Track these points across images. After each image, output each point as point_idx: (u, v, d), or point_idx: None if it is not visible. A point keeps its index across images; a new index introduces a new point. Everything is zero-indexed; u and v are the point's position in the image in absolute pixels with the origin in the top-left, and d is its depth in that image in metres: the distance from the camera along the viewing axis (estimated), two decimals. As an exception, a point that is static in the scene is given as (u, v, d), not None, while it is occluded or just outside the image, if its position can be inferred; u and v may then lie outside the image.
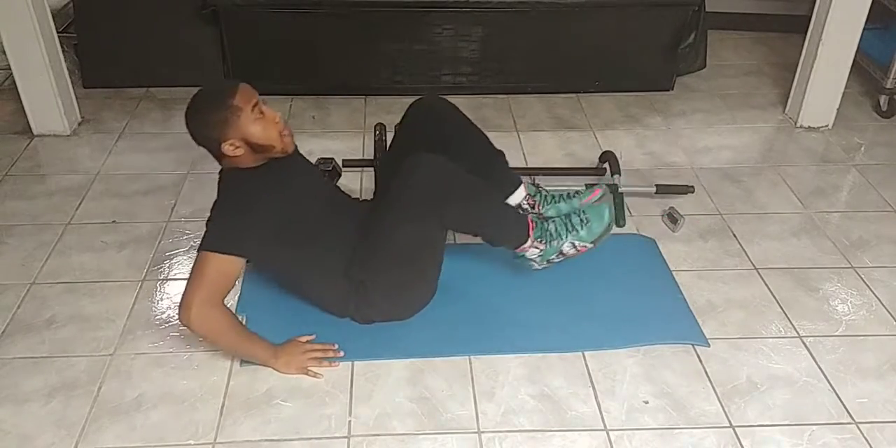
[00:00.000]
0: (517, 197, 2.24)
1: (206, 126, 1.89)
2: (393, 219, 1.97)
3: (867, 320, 2.21)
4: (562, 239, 2.07)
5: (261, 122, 1.89)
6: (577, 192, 2.27)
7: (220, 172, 2.02)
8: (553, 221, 2.11)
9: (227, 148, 1.89)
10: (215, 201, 1.96)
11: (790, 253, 2.47)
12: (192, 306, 1.84)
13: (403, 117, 2.28)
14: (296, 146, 2.03)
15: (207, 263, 1.86)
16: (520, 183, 2.25)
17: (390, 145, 2.38)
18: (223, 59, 3.36)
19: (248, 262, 1.94)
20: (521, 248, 2.07)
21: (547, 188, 2.31)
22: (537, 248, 2.07)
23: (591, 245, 2.08)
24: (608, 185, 2.28)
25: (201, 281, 1.85)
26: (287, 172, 1.99)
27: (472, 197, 2.01)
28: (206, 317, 1.86)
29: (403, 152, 2.04)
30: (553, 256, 2.09)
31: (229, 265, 1.87)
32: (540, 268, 2.13)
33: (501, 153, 2.28)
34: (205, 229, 1.91)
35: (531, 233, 2.06)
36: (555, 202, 2.25)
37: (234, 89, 1.88)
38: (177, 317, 2.13)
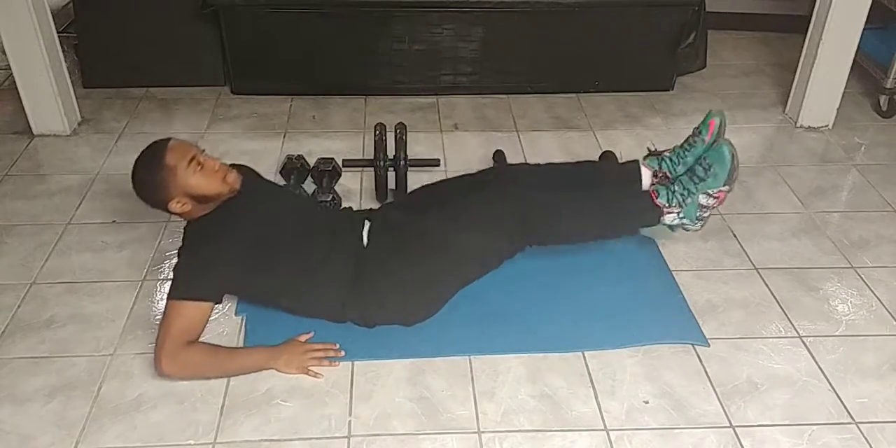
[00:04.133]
0: (645, 179, 2.22)
1: (148, 191, 1.96)
2: (459, 227, 2.00)
3: (867, 320, 2.21)
4: (693, 194, 2.05)
5: (200, 175, 1.93)
6: (696, 131, 2.20)
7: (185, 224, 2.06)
8: (678, 181, 2.09)
9: (174, 206, 1.95)
10: (180, 247, 2.00)
11: (790, 253, 2.47)
12: (163, 359, 1.88)
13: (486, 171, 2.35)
14: (255, 174, 2.10)
15: (174, 312, 1.90)
16: (638, 168, 2.23)
17: (448, 180, 2.39)
18: (223, 59, 3.37)
19: (216, 304, 1.97)
20: (660, 219, 2.08)
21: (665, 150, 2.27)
22: (672, 212, 2.07)
23: (726, 187, 2.05)
24: (717, 113, 2.21)
25: (168, 331, 1.89)
26: (241, 209, 2.01)
27: (569, 215, 2.05)
28: (178, 364, 1.90)
29: (473, 186, 2.12)
30: (698, 213, 2.08)
31: (195, 311, 1.91)
32: (697, 227, 2.13)
33: (599, 161, 2.31)
34: (172, 277, 1.95)
35: (657, 202, 2.06)
36: (682, 158, 2.19)
37: (164, 149, 1.93)
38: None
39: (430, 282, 2.07)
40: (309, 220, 2.16)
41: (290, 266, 2.01)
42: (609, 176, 2.27)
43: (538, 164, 2.37)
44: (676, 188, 2.06)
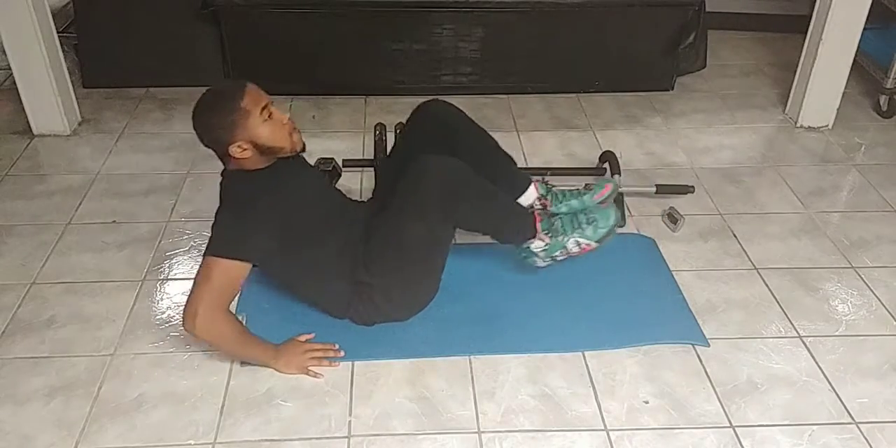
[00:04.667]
0: (528, 197, 2.23)
1: (213, 128, 1.88)
2: (402, 219, 1.97)
3: (867, 320, 2.21)
4: (566, 235, 2.07)
5: (269, 125, 1.88)
6: (588, 188, 2.26)
7: (223, 173, 2.01)
8: (560, 218, 2.11)
9: (234, 150, 1.88)
10: (219, 205, 1.95)
11: (790, 253, 2.47)
12: (198, 314, 1.83)
13: (408, 121, 2.28)
14: (303, 150, 2.03)
15: (213, 269, 1.84)
16: (530, 183, 2.25)
17: (392, 149, 2.37)
18: (223, 59, 3.36)
19: (254, 266, 1.94)
20: (528, 241, 2.08)
21: (558, 187, 2.30)
22: (543, 240, 2.07)
23: (595, 244, 2.08)
24: (614, 183, 2.29)
25: (207, 287, 1.84)
26: (289, 175, 1.99)
27: (481, 196, 2.01)
28: (211, 324, 1.85)
29: (408, 155, 2.03)
30: (557, 253, 2.09)
31: (235, 270, 1.86)
32: (543, 265, 2.13)
33: (509, 155, 2.29)
34: (210, 234, 1.90)
35: (538, 226, 2.07)
36: (566, 199, 2.24)
37: (242, 91, 1.87)
38: (177, 316, 2.15)
39: (413, 281, 2.09)
40: (339, 207, 2.16)
41: (313, 249, 2.00)
42: (504, 176, 2.23)
43: (473, 129, 2.28)
44: (556, 223, 2.09)
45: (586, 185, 2.28)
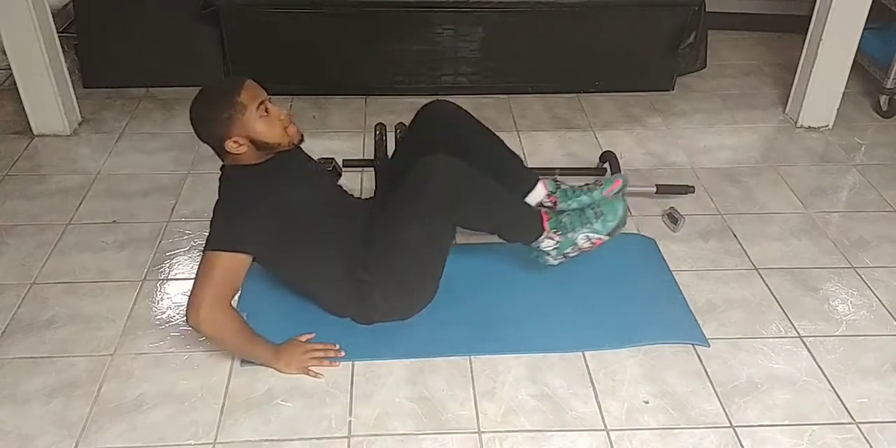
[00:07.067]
0: (537, 195, 2.23)
1: (210, 123, 1.88)
2: (403, 218, 1.96)
3: (867, 320, 2.21)
4: (576, 231, 2.06)
5: (265, 120, 1.88)
6: (598, 183, 2.26)
7: (222, 169, 2.01)
8: (568, 214, 2.11)
9: (230, 145, 1.88)
10: (217, 200, 1.95)
11: (790, 253, 2.47)
12: (201, 309, 1.82)
13: (412, 122, 2.27)
14: (301, 142, 2.03)
15: (213, 263, 1.84)
16: (537, 181, 2.25)
17: (395, 150, 2.37)
18: (223, 59, 3.36)
19: (253, 260, 1.94)
20: (537, 240, 2.08)
21: (567, 183, 2.29)
22: (552, 238, 2.07)
23: (606, 237, 2.07)
24: (623, 177, 2.29)
25: (209, 282, 1.83)
26: (289, 170, 1.98)
27: (485, 195, 2.01)
28: (214, 319, 1.85)
29: (412, 156, 2.03)
30: (569, 249, 2.08)
31: (236, 264, 1.86)
32: (556, 263, 2.12)
33: (515, 154, 2.28)
34: (209, 229, 1.90)
35: (545, 225, 2.07)
36: (576, 196, 2.23)
37: (240, 86, 1.87)
38: (177, 316, 2.15)
39: (412, 280, 2.09)
40: (340, 203, 2.16)
41: (313, 244, 2.00)
42: (511, 174, 2.24)
43: (479, 131, 2.28)
44: (564, 220, 2.08)
45: (587, 184, 2.27)
